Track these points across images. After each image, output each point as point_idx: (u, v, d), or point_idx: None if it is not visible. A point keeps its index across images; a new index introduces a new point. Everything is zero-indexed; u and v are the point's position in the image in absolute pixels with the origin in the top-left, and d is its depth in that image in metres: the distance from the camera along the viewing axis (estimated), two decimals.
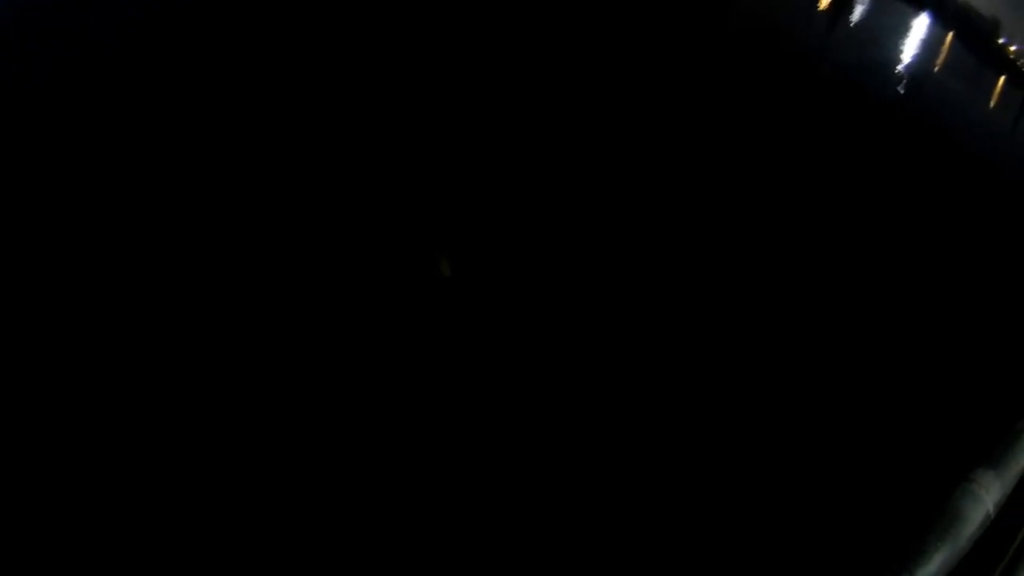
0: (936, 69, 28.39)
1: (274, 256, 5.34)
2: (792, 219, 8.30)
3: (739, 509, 4.23)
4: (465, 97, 8.36)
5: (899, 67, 24.10)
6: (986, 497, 2.00)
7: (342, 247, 5.58)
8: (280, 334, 4.66)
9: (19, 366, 4.02)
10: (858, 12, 31.68)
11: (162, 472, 3.65)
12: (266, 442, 3.96)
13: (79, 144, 6.06)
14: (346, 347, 4.70)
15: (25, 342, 4.17)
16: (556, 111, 8.78)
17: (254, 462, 3.84)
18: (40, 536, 3.27)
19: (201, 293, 4.88)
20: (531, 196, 6.86)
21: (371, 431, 4.16)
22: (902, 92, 19.73)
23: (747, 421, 4.93)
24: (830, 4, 29.68)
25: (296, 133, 6.88)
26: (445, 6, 10.75)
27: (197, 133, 6.60)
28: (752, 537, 4.07)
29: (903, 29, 34.51)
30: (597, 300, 5.78)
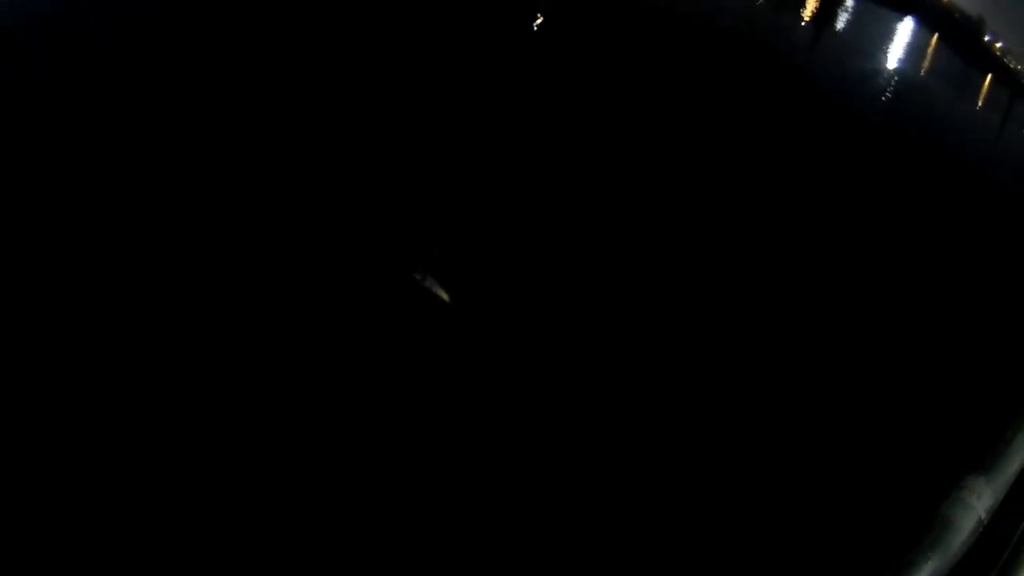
0: (922, 72, 28.60)
1: (272, 258, 5.37)
2: (779, 227, 8.36)
3: (724, 520, 4.23)
4: (456, 107, 8.45)
5: (885, 72, 24.27)
6: (977, 504, 2.02)
7: (340, 252, 5.61)
8: (277, 337, 4.69)
9: (17, 366, 4.05)
10: (842, 20, 31.93)
11: (159, 472, 3.68)
12: (262, 444, 3.98)
13: (79, 144, 6.13)
14: (343, 350, 4.73)
15: (23, 342, 4.21)
16: (555, 126, 8.88)
17: (249, 464, 3.86)
18: (40, 536, 3.29)
19: (198, 293, 4.92)
20: (520, 206, 6.93)
21: (369, 434, 4.19)
22: (889, 97, 19.86)
23: (733, 430, 4.94)
24: (814, 13, 29.94)
25: (292, 136, 6.95)
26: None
27: (195, 134, 6.68)
28: (736, 550, 4.08)
29: (888, 33, 34.76)
30: (585, 305, 5.83)
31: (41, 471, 3.56)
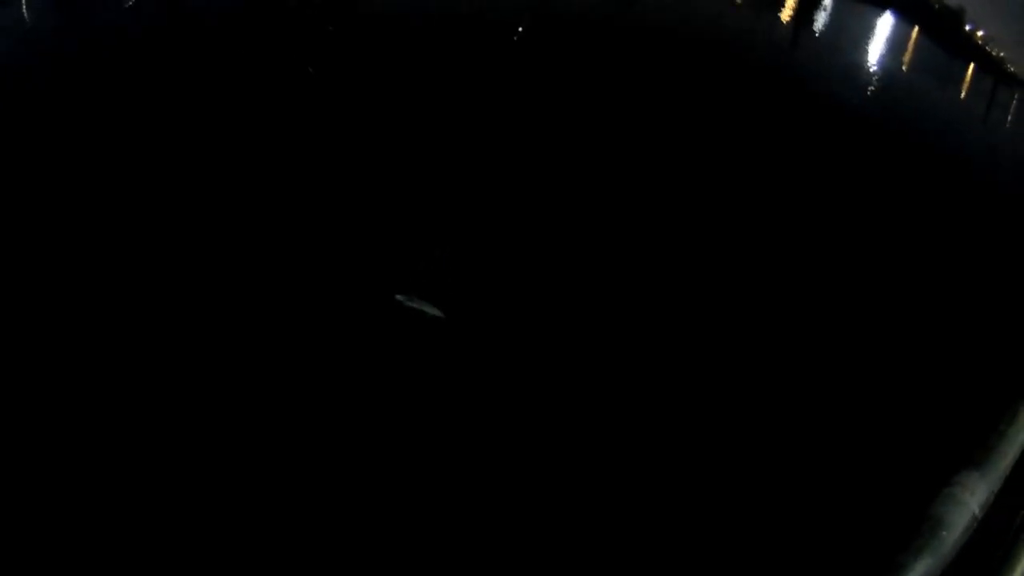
0: (904, 67, 28.81)
1: (270, 259, 5.37)
2: (770, 227, 8.38)
3: (712, 526, 4.21)
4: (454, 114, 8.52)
5: (868, 69, 24.41)
6: (971, 500, 2.00)
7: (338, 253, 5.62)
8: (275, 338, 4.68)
9: (17, 365, 4.03)
10: (822, 19, 32.17)
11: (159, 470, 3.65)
12: (262, 444, 3.96)
13: (77, 143, 6.16)
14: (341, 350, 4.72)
15: (23, 340, 4.20)
16: (552, 129, 8.95)
17: (247, 464, 3.84)
18: (40, 535, 3.27)
19: (197, 291, 4.92)
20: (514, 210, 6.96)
21: (368, 434, 4.17)
22: (874, 94, 19.98)
23: (720, 430, 4.92)
24: (793, 14, 30.15)
25: (290, 139, 7.00)
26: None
27: (193, 133, 6.72)
28: (725, 557, 4.05)
29: (868, 29, 34.99)
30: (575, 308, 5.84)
31: (41, 470, 3.56)
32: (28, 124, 6.56)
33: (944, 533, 1.83)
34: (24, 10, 9.20)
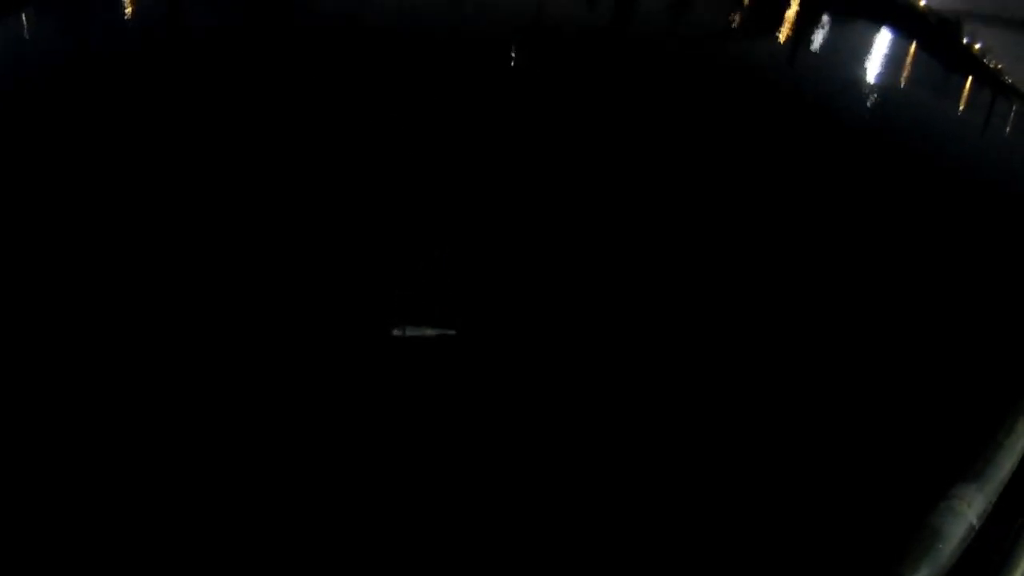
0: (903, 81, 28.92)
1: (269, 259, 5.43)
2: (766, 241, 8.44)
3: (708, 535, 4.23)
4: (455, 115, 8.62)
5: (866, 84, 24.52)
6: (968, 511, 2.05)
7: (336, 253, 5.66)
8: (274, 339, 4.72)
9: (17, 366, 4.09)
10: (819, 36, 32.32)
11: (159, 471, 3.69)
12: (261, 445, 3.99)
13: (75, 143, 6.25)
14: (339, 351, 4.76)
15: (23, 341, 4.25)
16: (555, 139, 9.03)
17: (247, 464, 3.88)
18: (40, 536, 3.31)
19: (193, 293, 4.98)
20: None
21: (367, 435, 4.21)
22: (872, 110, 20.07)
23: (719, 438, 4.95)
24: (790, 33, 30.32)
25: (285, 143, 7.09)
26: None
27: (192, 133, 6.80)
28: (719, 562, 4.06)
29: (866, 45, 35.15)
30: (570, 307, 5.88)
31: (41, 471, 3.60)
32: (27, 126, 6.68)
33: (941, 545, 1.88)
34: (24, 17, 9.34)
